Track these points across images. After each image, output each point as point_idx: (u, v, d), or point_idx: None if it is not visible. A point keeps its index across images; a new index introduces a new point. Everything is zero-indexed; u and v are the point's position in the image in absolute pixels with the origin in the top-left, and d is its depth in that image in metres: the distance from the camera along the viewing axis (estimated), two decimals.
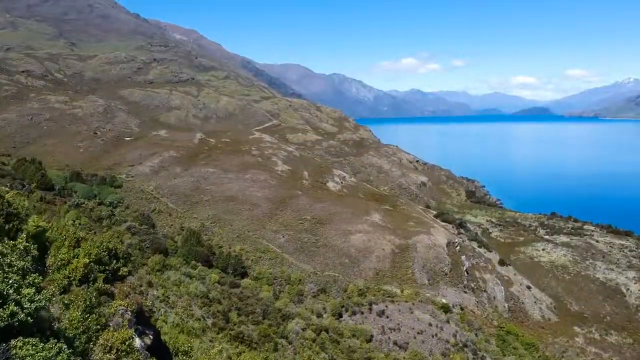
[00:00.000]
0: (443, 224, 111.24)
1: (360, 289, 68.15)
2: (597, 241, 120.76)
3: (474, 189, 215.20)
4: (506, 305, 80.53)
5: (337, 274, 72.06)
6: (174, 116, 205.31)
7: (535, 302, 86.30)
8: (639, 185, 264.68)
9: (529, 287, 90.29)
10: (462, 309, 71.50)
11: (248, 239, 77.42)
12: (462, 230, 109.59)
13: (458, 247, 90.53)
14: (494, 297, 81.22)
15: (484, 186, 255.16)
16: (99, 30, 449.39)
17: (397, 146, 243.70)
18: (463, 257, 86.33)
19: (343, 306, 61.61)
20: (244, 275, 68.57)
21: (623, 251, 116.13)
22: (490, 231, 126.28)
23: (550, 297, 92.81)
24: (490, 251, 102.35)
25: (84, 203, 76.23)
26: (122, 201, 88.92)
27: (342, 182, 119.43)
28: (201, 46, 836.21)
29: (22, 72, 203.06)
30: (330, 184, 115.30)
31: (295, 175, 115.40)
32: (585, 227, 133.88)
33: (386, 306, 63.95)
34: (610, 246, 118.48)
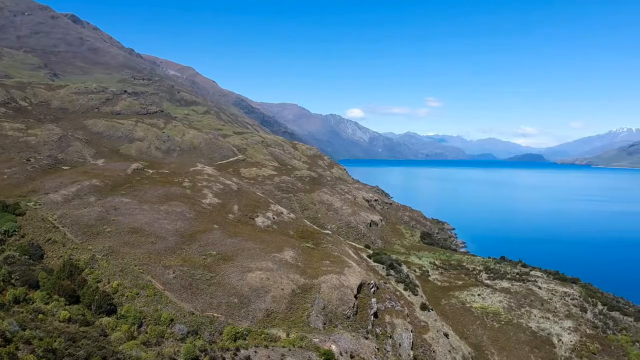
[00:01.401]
0: (373, 264, 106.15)
1: (239, 332, 62.52)
2: (539, 288, 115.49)
3: (437, 231, 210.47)
4: (411, 353, 74.54)
5: (218, 315, 66.44)
6: (135, 148, 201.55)
7: (449, 351, 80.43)
8: (603, 234, 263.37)
9: (446, 335, 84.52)
10: (351, 356, 65.64)
11: (131, 273, 71.90)
12: (391, 272, 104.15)
13: (373, 289, 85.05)
14: (400, 344, 75.33)
15: (453, 229, 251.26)
16: (85, 62, 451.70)
17: (366, 185, 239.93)
18: (373, 300, 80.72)
19: (203, 351, 55.86)
20: (110, 312, 62.99)
21: (564, 299, 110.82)
22: (430, 274, 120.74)
23: (470, 346, 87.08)
24: (416, 295, 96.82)
25: None
26: (18, 230, 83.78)
27: (274, 218, 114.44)
28: (194, 82, 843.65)
29: None
30: (259, 220, 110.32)
31: (223, 209, 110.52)
32: (532, 272, 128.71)
33: (255, 352, 58.25)
34: (552, 293, 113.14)
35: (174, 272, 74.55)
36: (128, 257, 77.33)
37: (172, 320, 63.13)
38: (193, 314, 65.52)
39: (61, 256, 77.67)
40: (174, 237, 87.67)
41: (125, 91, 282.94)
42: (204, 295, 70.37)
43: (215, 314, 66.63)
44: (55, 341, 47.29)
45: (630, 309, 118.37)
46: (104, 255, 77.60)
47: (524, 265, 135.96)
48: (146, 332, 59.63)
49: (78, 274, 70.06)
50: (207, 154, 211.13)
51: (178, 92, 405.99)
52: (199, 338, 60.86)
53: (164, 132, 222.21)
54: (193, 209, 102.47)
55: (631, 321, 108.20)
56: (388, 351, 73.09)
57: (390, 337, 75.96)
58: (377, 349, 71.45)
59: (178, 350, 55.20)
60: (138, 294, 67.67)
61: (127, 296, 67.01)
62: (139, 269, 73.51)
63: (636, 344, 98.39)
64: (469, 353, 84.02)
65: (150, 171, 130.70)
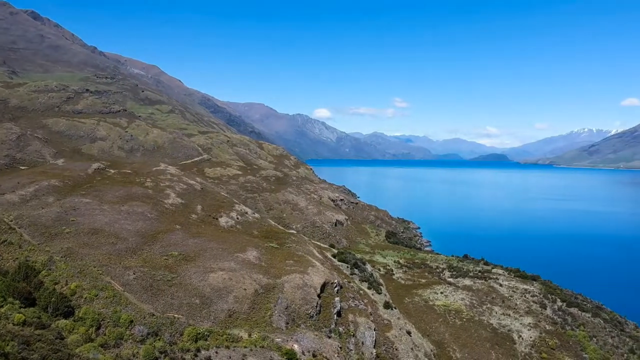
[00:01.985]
0: (338, 263, 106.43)
1: (200, 333, 61.90)
2: (500, 285, 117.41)
3: (402, 230, 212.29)
4: (374, 351, 75.00)
5: (179, 316, 65.66)
6: (97, 147, 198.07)
7: (412, 348, 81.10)
8: (562, 232, 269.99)
9: (409, 333, 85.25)
10: (314, 355, 65.68)
11: (90, 275, 70.50)
12: (356, 271, 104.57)
13: (337, 289, 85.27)
14: (363, 343, 75.70)
15: (418, 228, 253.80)
16: (46, 60, 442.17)
17: (332, 184, 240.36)
18: (336, 299, 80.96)
19: (163, 352, 55.14)
20: (68, 315, 61.62)
21: (525, 296, 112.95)
22: (394, 272, 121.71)
23: (433, 344, 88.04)
24: (380, 293, 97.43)
25: None
26: None
27: (238, 218, 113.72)
28: (159, 81, 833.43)
29: None
30: (223, 220, 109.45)
31: (186, 209, 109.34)
32: (493, 270, 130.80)
33: (216, 353, 57.78)
34: (513, 291, 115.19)
35: (134, 273, 73.41)
36: (87, 259, 75.81)
37: (131, 321, 62.11)
38: (153, 315, 64.58)
39: (17, 258, 75.58)
40: (135, 238, 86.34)
41: (87, 90, 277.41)
42: (164, 296, 69.47)
43: (176, 315, 65.84)
44: (7, 345, 46.02)
45: (588, 304, 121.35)
46: (62, 257, 75.88)
47: (486, 263, 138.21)
48: (105, 334, 58.56)
49: (34, 276, 68.34)
50: (171, 154, 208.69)
51: (142, 91, 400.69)
52: (159, 339, 60.04)
53: (127, 132, 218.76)
54: (155, 209, 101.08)
55: (589, 317, 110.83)
56: (351, 350, 73.37)
57: (353, 335, 76.27)
58: (340, 347, 71.63)
59: (137, 352, 54.35)
60: (97, 295, 66.35)
61: (86, 298, 65.64)
62: (98, 270, 72.13)
63: (593, 339, 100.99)
64: (431, 350, 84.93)
65: (112, 171, 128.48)
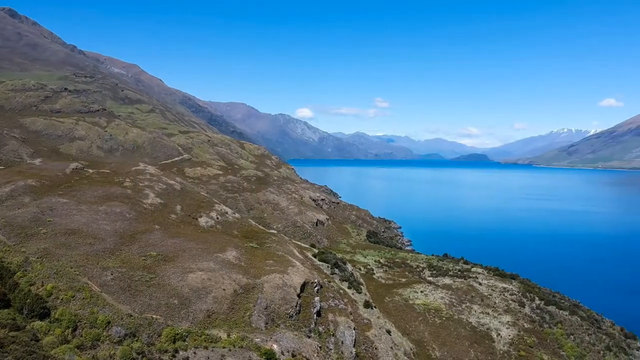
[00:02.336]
0: (318, 263, 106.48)
1: (178, 334, 61.48)
2: (480, 284, 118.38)
3: (383, 230, 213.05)
4: (353, 350, 75.11)
5: (158, 317, 65.14)
6: (76, 147, 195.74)
7: (391, 347, 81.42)
8: (542, 231, 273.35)
9: (388, 332, 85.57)
10: (293, 355, 65.63)
11: (67, 275, 69.62)
12: (336, 271, 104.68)
13: (317, 288, 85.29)
14: (342, 342, 75.82)
15: (400, 227, 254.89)
16: (24, 58, 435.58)
17: (314, 184, 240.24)
18: (316, 299, 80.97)
19: (140, 353, 54.72)
20: (43, 316, 60.80)
21: (503, 295, 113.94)
22: (375, 272, 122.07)
23: (412, 342, 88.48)
24: (360, 292, 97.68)
25: None
26: None
27: (218, 218, 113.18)
28: (140, 80, 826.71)
29: None
30: (203, 220, 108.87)
31: (165, 209, 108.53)
32: (473, 269, 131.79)
33: (194, 353, 57.50)
34: (492, 289, 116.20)
35: (112, 274, 72.69)
36: (64, 259, 74.85)
37: (108, 322, 61.46)
38: (131, 316, 63.97)
39: None
40: (113, 238, 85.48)
41: (65, 89, 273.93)
42: (143, 297, 68.89)
43: (154, 316, 65.31)
44: None
45: (566, 303, 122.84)
46: (38, 258, 74.80)
47: (466, 262, 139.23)
48: (81, 336, 57.88)
49: (9, 277, 67.30)
50: (151, 154, 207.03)
51: (122, 90, 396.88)
52: (136, 340, 59.53)
53: (106, 131, 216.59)
54: (134, 209, 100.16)
55: (566, 315, 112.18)
56: (330, 349, 73.44)
57: (333, 335, 76.34)
58: (320, 347, 71.70)
59: (114, 353, 53.88)
60: (74, 296, 65.53)
61: (62, 299, 64.79)
62: (75, 271, 71.27)
63: (571, 336, 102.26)
64: (411, 349, 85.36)
65: (91, 171, 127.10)
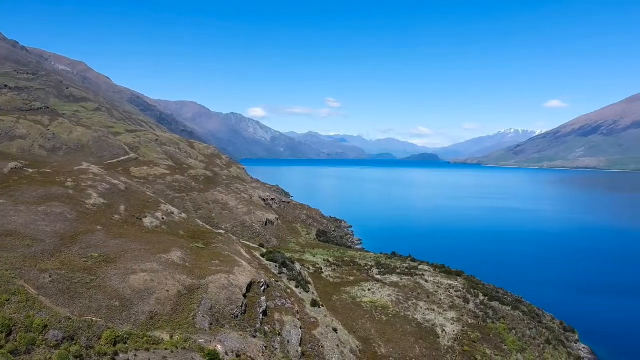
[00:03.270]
0: (266, 263, 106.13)
1: (119, 336, 60.11)
2: (426, 281, 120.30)
3: (334, 229, 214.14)
4: (299, 349, 75.27)
5: (98, 319, 63.55)
6: (16, 146, 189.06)
7: (337, 345, 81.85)
8: (486, 229, 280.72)
9: (335, 330, 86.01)
10: (238, 355, 65.19)
11: (1, 278, 66.99)
12: (284, 270, 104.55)
13: (264, 288, 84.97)
14: (288, 341, 75.81)
15: (350, 226, 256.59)
16: None
17: (265, 184, 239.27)
18: (262, 299, 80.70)
19: (78, 357, 53.27)
20: None
21: (449, 291, 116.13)
22: (323, 271, 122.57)
23: (359, 340, 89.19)
24: (307, 291, 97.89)
25: None
26: None
27: (164, 219, 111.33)
28: (86, 78, 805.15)
29: None
30: (148, 220, 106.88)
31: (108, 209, 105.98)
32: (420, 266, 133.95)
33: (135, 355, 56.40)
34: (438, 286, 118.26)
35: (50, 276, 70.49)
36: None
37: (45, 326, 59.53)
38: (70, 319, 62.14)
39: None
40: (53, 240, 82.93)
41: (6, 85, 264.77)
42: (82, 299, 67.13)
43: (94, 318, 63.66)
44: None
45: (509, 298, 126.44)
46: None
47: (414, 260, 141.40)
48: (15, 340, 55.89)
49: None
50: (96, 153, 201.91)
51: (67, 88, 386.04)
52: (74, 344, 57.88)
53: (49, 130, 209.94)
54: (75, 210, 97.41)
55: (509, 310, 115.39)
56: (276, 348, 73.31)
57: (279, 334, 76.24)
58: (265, 346, 71.42)
59: (50, 357, 52.31)
60: (8, 300, 63.13)
61: None
62: (10, 274, 68.69)
63: (513, 331, 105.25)
64: (357, 346, 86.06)
65: (31, 170, 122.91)
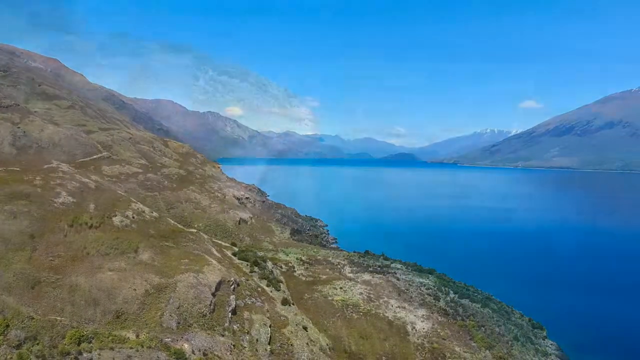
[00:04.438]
0: (238, 261, 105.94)
1: (84, 335, 59.59)
2: (398, 279, 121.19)
3: (309, 228, 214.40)
4: (268, 347, 75.32)
5: (62, 318, 62.88)
6: None
7: (307, 343, 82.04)
8: (458, 227, 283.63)
9: (305, 328, 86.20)
10: (205, 354, 65.01)
11: None
12: (255, 269, 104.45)
13: (234, 287, 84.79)
14: (257, 340, 75.81)
15: (326, 225, 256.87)
16: None
17: (241, 183, 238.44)
18: (232, 297, 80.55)
19: (40, 357, 52.71)
20: None
21: (420, 289, 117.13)
22: (296, 269, 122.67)
23: (329, 338, 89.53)
24: (279, 290, 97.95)
25: None
26: None
27: (134, 217, 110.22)
28: (60, 75, 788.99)
29: None
30: (118, 219, 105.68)
31: (77, 208, 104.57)
32: (392, 265, 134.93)
33: (99, 355, 56.01)
34: (409, 284, 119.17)
35: (14, 275, 69.46)
36: None
37: (7, 326, 58.71)
38: (33, 318, 61.37)
39: None
40: (19, 238, 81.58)
41: None
42: (48, 299, 66.31)
43: (58, 318, 62.96)
44: None
45: (479, 296, 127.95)
46: None
47: (386, 258, 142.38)
48: None
49: None
50: (68, 151, 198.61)
51: (39, 85, 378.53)
52: (37, 343, 57.22)
53: (19, 128, 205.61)
54: (43, 208, 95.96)
55: (478, 307, 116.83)
56: (245, 347, 73.23)
57: (248, 332, 76.20)
58: (233, 345, 71.35)
59: (11, 357, 51.66)
60: None
61: None
62: None
63: (482, 328, 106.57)
64: (327, 344, 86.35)
65: None
